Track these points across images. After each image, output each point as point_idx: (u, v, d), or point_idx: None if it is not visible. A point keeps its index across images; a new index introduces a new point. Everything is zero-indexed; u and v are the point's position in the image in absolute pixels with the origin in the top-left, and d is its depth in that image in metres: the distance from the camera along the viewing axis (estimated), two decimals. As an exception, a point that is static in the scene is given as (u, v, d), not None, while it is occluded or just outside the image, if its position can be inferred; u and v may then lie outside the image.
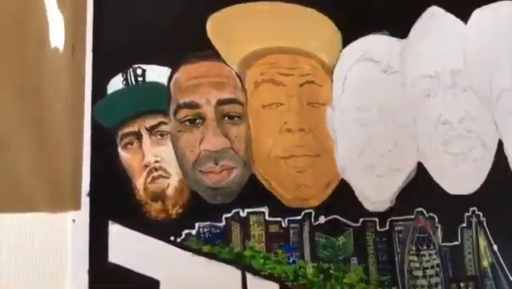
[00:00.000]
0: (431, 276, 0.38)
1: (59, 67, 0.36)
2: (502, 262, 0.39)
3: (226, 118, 0.37)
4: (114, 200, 0.35)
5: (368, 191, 0.38)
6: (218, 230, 0.36)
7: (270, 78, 0.38)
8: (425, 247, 0.38)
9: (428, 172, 0.39)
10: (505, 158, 0.40)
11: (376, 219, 0.38)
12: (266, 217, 0.37)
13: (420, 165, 0.39)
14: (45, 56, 0.36)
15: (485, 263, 0.39)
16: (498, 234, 0.39)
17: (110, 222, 0.35)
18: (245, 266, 0.36)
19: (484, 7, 0.41)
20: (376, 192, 0.38)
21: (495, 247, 0.39)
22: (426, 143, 0.39)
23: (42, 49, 0.36)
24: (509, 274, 0.39)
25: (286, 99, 0.38)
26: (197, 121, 0.37)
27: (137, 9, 0.38)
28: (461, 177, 0.39)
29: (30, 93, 0.35)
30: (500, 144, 0.40)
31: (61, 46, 0.36)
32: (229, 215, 0.36)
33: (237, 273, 0.36)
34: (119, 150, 0.36)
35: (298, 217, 0.37)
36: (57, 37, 0.36)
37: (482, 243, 0.39)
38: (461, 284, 0.38)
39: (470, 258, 0.39)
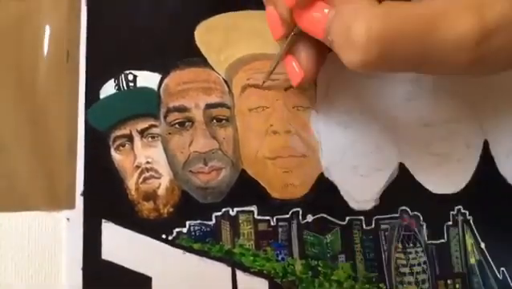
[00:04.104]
0: (418, 273, 0.38)
1: (54, 73, 0.37)
2: (490, 259, 0.39)
3: (214, 121, 0.39)
4: (107, 199, 0.36)
5: (353, 190, 0.39)
6: (209, 229, 0.37)
7: (256, 82, 0.39)
8: (411, 245, 0.39)
9: (411, 172, 0.40)
10: (492, 158, 0.41)
11: (362, 218, 0.39)
12: (255, 216, 0.37)
13: (401, 165, 0.40)
14: (41, 63, 0.37)
15: (472, 261, 0.39)
16: (486, 232, 0.40)
17: (103, 221, 0.36)
18: (235, 263, 0.36)
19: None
20: (360, 191, 0.39)
21: (482, 245, 0.40)
22: (408, 144, 0.40)
23: (38, 56, 0.37)
24: (496, 272, 0.39)
25: (272, 102, 0.39)
26: (187, 124, 0.38)
27: (129, 17, 0.39)
28: (445, 177, 0.40)
29: (27, 98, 0.36)
30: (486, 144, 0.41)
31: (56, 54, 0.37)
32: (219, 214, 0.37)
33: (228, 270, 0.36)
34: (112, 152, 0.37)
35: (286, 216, 0.38)
36: (52, 44, 0.38)
37: (469, 241, 0.40)
38: (449, 281, 0.39)
39: (457, 256, 0.39)
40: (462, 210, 0.40)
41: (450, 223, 0.40)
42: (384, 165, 0.40)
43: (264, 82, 0.39)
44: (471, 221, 0.40)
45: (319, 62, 0.35)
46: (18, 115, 0.36)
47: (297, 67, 0.35)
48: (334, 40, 0.29)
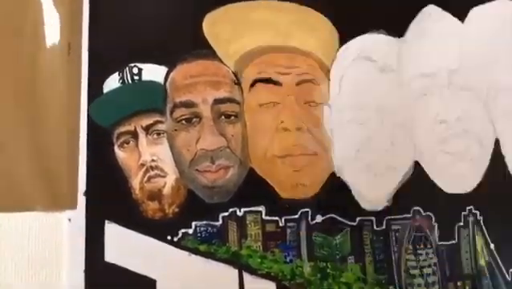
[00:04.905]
0: (428, 275, 0.38)
1: (56, 66, 0.36)
2: (499, 261, 0.39)
3: (223, 117, 0.37)
4: (110, 199, 0.35)
5: (365, 190, 0.38)
6: (215, 229, 0.36)
7: (267, 77, 0.38)
8: (422, 246, 0.38)
9: (425, 171, 0.39)
10: (502, 157, 0.40)
11: (373, 218, 0.38)
12: (263, 217, 0.37)
13: (416, 164, 0.39)
14: (41, 55, 0.36)
15: (482, 262, 0.39)
16: (495, 233, 0.39)
17: (106, 221, 0.35)
18: (242, 265, 0.36)
19: (481, 6, 0.41)
20: (373, 191, 0.38)
21: (492, 246, 0.39)
22: (423, 142, 0.39)
23: (38, 48, 0.36)
24: (506, 273, 0.39)
25: (283, 98, 0.38)
26: (194, 120, 0.37)
27: (133, 8, 0.38)
28: (458, 176, 0.39)
29: (27, 93, 0.35)
30: (497, 143, 0.40)
31: (57, 46, 0.36)
32: (225, 214, 0.36)
33: (234, 272, 0.36)
34: (116, 149, 0.36)
35: (295, 216, 0.37)
36: (53, 36, 0.36)
37: (479, 242, 0.39)
38: (458, 283, 0.38)
39: (467, 257, 0.39)
40: (473, 210, 0.39)
41: (461, 224, 0.39)
42: (399, 164, 0.39)
43: None
44: (481, 222, 0.39)
45: None
46: (18, 112, 0.35)
47: None
48: None
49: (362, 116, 0.39)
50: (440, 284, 0.38)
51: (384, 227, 0.38)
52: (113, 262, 0.34)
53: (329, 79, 0.39)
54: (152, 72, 0.37)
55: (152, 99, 0.37)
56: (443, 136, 0.39)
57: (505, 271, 0.39)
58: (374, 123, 0.39)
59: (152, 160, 0.36)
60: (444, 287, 0.38)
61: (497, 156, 0.40)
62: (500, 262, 0.39)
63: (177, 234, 0.35)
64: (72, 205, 0.35)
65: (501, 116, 0.41)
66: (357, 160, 0.38)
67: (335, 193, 0.38)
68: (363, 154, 0.38)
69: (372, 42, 0.40)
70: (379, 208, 0.38)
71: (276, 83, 0.38)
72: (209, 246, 0.36)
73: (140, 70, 0.37)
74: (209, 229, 0.36)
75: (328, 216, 0.37)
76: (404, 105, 0.39)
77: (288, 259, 0.36)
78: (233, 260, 0.36)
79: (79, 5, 0.37)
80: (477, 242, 0.39)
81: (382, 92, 0.39)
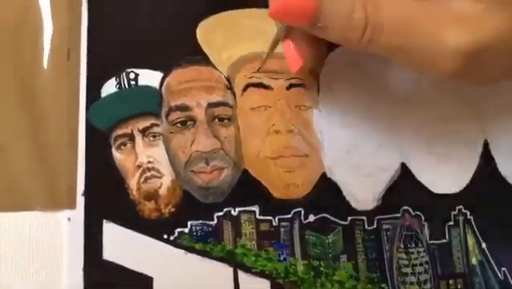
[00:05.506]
0: (420, 273, 0.38)
1: (55, 71, 0.37)
2: (491, 260, 0.39)
3: (216, 120, 0.38)
4: (108, 199, 0.36)
5: (355, 190, 0.39)
6: (210, 229, 0.37)
7: (258, 81, 0.39)
8: (413, 245, 0.39)
9: (412, 172, 0.40)
10: (492, 158, 0.41)
11: (364, 218, 0.38)
12: (257, 216, 0.37)
13: (404, 165, 0.40)
14: (41, 61, 0.37)
15: (473, 261, 0.39)
16: (487, 232, 0.39)
17: (104, 221, 0.36)
18: (236, 263, 0.36)
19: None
20: (363, 191, 0.39)
21: (484, 245, 0.39)
22: (409, 143, 0.40)
23: (37, 54, 0.37)
24: (498, 272, 0.39)
25: (274, 101, 0.39)
26: (188, 123, 0.38)
27: (131, 15, 0.39)
28: (445, 177, 0.40)
29: (27, 96, 0.36)
30: (486, 143, 0.41)
31: (57, 51, 0.37)
32: (220, 214, 0.37)
33: (229, 270, 0.36)
34: (113, 151, 0.37)
35: (288, 216, 0.38)
36: (53, 42, 0.37)
37: (471, 241, 0.39)
38: (450, 281, 0.39)
39: (459, 256, 0.39)
40: (463, 210, 0.39)
41: (451, 223, 0.39)
42: (387, 165, 0.40)
43: (259, 68, 0.39)
44: (472, 221, 0.40)
45: (319, 49, 0.34)
46: (19, 114, 0.36)
47: (295, 53, 0.33)
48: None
49: (351, 118, 0.40)
50: (432, 282, 0.38)
51: (375, 226, 0.38)
52: (111, 260, 0.35)
53: (318, 84, 0.40)
54: (148, 77, 0.38)
55: (148, 103, 0.38)
56: (429, 138, 0.40)
57: (497, 270, 0.39)
58: (361, 125, 0.40)
59: (149, 162, 0.37)
60: (437, 286, 0.38)
61: (486, 156, 0.41)
62: (492, 261, 0.39)
63: (174, 233, 0.36)
64: (71, 205, 0.35)
65: (490, 117, 0.41)
66: (346, 161, 0.39)
67: (327, 193, 0.38)
68: (351, 155, 0.39)
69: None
70: (370, 208, 0.39)
71: (267, 87, 0.39)
72: (205, 244, 0.36)
73: (136, 75, 0.38)
74: (205, 228, 0.37)
75: (320, 215, 0.38)
76: (391, 108, 0.40)
77: (282, 258, 0.37)
78: (228, 258, 0.36)
79: (78, 12, 0.38)
80: (468, 241, 0.39)
81: (369, 96, 0.40)
